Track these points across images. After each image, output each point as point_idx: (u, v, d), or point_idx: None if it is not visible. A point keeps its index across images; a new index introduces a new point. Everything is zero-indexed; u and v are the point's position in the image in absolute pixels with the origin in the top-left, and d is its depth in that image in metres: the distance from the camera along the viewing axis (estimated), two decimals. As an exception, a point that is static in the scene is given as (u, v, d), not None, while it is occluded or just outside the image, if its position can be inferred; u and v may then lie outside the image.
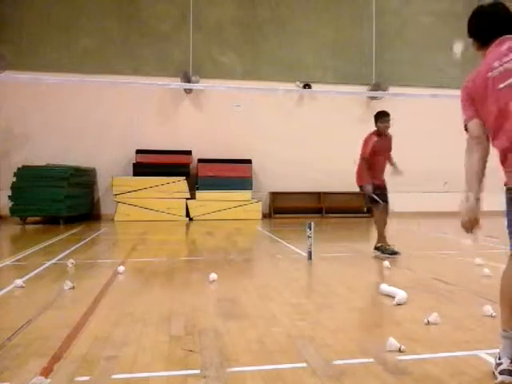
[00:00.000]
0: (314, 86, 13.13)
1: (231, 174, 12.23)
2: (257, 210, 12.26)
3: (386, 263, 5.16)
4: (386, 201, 6.09)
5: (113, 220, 11.49)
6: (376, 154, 6.05)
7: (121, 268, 4.79)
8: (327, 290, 4.06)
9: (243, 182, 12.30)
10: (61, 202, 10.22)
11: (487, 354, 2.46)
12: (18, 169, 10.58)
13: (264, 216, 12.49)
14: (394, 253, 5.94)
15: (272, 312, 3.32)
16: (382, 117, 6.14)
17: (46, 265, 5.21)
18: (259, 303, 3.59)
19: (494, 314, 3.10)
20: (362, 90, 13.18)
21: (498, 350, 2.22)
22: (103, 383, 2.16)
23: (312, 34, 13.47)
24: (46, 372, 2.24)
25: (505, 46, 2.23)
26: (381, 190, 6.07)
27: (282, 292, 3.95)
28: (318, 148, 12.71)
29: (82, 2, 12.49)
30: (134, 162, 12.07)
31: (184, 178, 11.96)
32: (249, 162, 12.53)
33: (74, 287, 4.01)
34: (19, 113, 12.02)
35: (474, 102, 2.29)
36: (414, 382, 2.16)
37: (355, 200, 12.31)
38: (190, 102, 12.98)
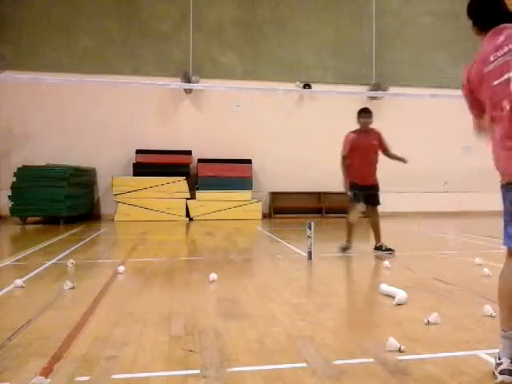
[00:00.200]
0: (314, 86, 13.14)
1: (231, 173, 12.23)
2: (257, 209, 12.26)
3: (386, 263, 5.16)
4: (362, 201, 6.08)
5: (113, 220, 11.49)
6: (356, 151, 6.06)
7: (121, 268, 4.79)
8: (327, 290, 4.05)
9: (243, 182, 12.30)
10: (61, 202, 10.22)
11: (487, 353, 2.46)
12: (18, 169, 10.58)
13: (264, 216, 12.49)
14: (388, 250, 5.99)
15: (272, 312, 3.32)
16: (362, 113, 6.18)
17: (46, 265, 5.21)
18: (259, 303, 3.59)
19: (493, 313, 3.10)
20: (362, 90, 13.18)
21: (497, 350, 2.22)
22: (103, 383, 2.16)
23: (312, 34, 13.47)
24: (46, 372, 2.24)
25: (501, 38, 2.16)
26: (360, 190, 6.04)
27: (282, 292, 3.95)
28: (318, 148, 12.70)
29: (82, 2, 12.50)
30: (134, 162, 12.07)
31: (184, 177, 11.96)
32: (249, 162, 12.53)
33: (74, 287, 4.01)
34: (19, 113, 12.02)
35: (473, 94, 2.29)
36: (414, 382, 2.16)
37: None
38: (190, 101, 12.98)
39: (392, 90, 13.04)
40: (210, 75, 12.62)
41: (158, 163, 11.97)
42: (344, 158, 6.15)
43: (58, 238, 7.89)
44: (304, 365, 2.35)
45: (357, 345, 2.65)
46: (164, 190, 11.79)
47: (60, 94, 11.92)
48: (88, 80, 10.80)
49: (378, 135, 6.22)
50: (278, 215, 12.86)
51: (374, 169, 6.23)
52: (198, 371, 2.27)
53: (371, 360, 2.41)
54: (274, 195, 12.99)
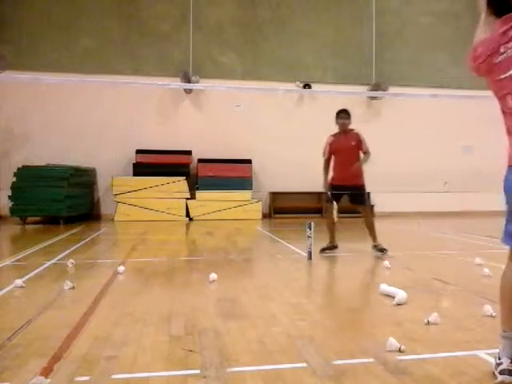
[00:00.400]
0: (314, 86, 13.13)
1: (231, 173, 12.23)
2: (257, 209, 12.26)
3: (386, 263, 5.16)
4: (340, 201, 6.09)
5: (113, 220, 11.49)
6: (337, 153, 6.13)
7: (121, 268, 4.78)
8: (327, 290, 4.06)
9: (243, 182, 12.30)
10: (61, 202, 10.22)
11: (487, 353, 2.46)
12: (18, 169, 10.58)
13: (264, 216, 12.49)
14: (382, 249, 5.97)
15: (272, 312, 3.32)
16: (339, 114, 6.19)
17: (46, 265, 5.21)
18: (259, 303, 3.59)
19: (493, 313, 3.10)
20: (362, 90, 13.17)
21: (497, 350, 2.22)
22: (103, 383, 2.16)
23: (312, 33, 13.47)
24: (46, 372, 2.24)
25: None
26: (343, 190, 6.05)
27: (282, 292, 3.95)
28: (318, 148, 12.58)
29: (82, 1, 12.49)
30: (134, 162, 12.07)
31: (184, 177, 11.96)
32: (249, 162, 12.53)
33: (74, 287, 4.01)
34: (19, 113, 12.02)
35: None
36: (414, 382, 2.16)
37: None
38: (190, 101, 12.98)
39: (392, 89, 13.03)
40: (210, 75, 12.62)
41: (158, 163, 11.96)
42: (326, 160, 6.25)
43: (58, 237, 7.89)
44: (304, 365, 2.35)
45: (357, 345, 2.64)
46: (164, 189, 11.79)
47: (60, 94, 11.92)
48: (88, 80, 10.80)
49: (356, 136, 6.15)
50: (278, 215, 12.86)
51: (358, 169, 6.11)
52: (198, 371, 2.26)
53: (371, 360, 2.41)
54: (274, 195, 12.99)
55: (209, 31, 12.99)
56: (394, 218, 12.25)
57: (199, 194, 12.04)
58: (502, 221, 2.21)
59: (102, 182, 12.42)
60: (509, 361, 2.10)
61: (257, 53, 13.24)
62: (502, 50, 2.11)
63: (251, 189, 12.37)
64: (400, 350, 2.50)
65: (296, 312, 3.33)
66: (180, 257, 6.14)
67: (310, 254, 5.56)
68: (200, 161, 12.35)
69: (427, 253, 6.33)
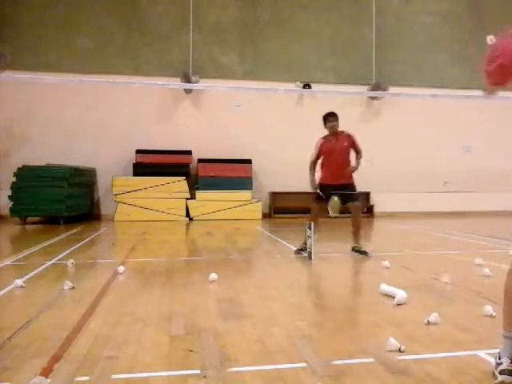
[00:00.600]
0: (314, 86, 13.13)
1: (231, 174, 12.23)
2: (257, 209, 12.26)
3: (386, 263, 5.16)
4: (332, 200, 6.08)
5: (113, 220, 11.49)
6: (327, 155, 6.15)
7: (121, 268, 4.78)
8: (327, 290, 4.06)
9: (243, 182, 12.30)
10: (61, 202, 10.23)
11: (487, 353, 2.46)
12: (18, 169, 10.59)
13: (264, 216, 12.49)
14: (363, 252, 5.94)
15: (272, 312, 3.32)
16: (327, 117, 6.22)
17: (46, 265, 5.21)
18: (259, 303, 3.59)
19: (493, 313, 3.10)
20: (362, 89, 13.17)
21: (498, 350, 2.22)
22: (103, 383, 2.16)
23: (312, 34, 13.47)
24: (46, 372, 2.24)
25: None
26: (333, 189, 6.04)
27: (282, 292, 3.95)
28: (318, 148, 12.67)
29: (82, 1, 12.50)
30: (134, 161, 12.07)
31: (184, 178, 11.96)
32: (249, 162, 12.53)
33: (74, 287, 4.01)
34: (19, 113, 12.02)
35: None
36: (414, 382, 2.16)
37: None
38: (190, 101, 12.98)
39: (392, 89, 13.02)
40: (210, 75, 12.62)
41: (158, 163, 11.96)
42: (313, 162, 6.26)
43: (58, 237, 7.89)
44: (304, 365, 2.35)
45: (357, 345, 2.64)
46: (164, 189, 11.79)
47: (60, 94, 11.91)
48: (88, 80, 10.78)
49: (348, 137, 6.17)
50: (277, 215, 12.85)
51: (348, 169, 6.12)
52: (198, 371, 2.27)
53: (371, 360, 2.41)
54: (274, 195, 12.99)
55: (209, 31, 12.99)
56: (394, 218, 12.25)
57: (199, 193, 12.05)
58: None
59: (102, 182, 12.43)
60: (509, 361, 2.10)
61: (257, 53, 13.24)
62: None
63: (251, 189, 12.37)
64: (400, 350, 2.50)
65: (296, 312, 3.33)
66: (180, 257, 6.14)
67: (310, 254, 5.56)
68: (200, 161, 12.35)
69: (427, 253, 6.33)
